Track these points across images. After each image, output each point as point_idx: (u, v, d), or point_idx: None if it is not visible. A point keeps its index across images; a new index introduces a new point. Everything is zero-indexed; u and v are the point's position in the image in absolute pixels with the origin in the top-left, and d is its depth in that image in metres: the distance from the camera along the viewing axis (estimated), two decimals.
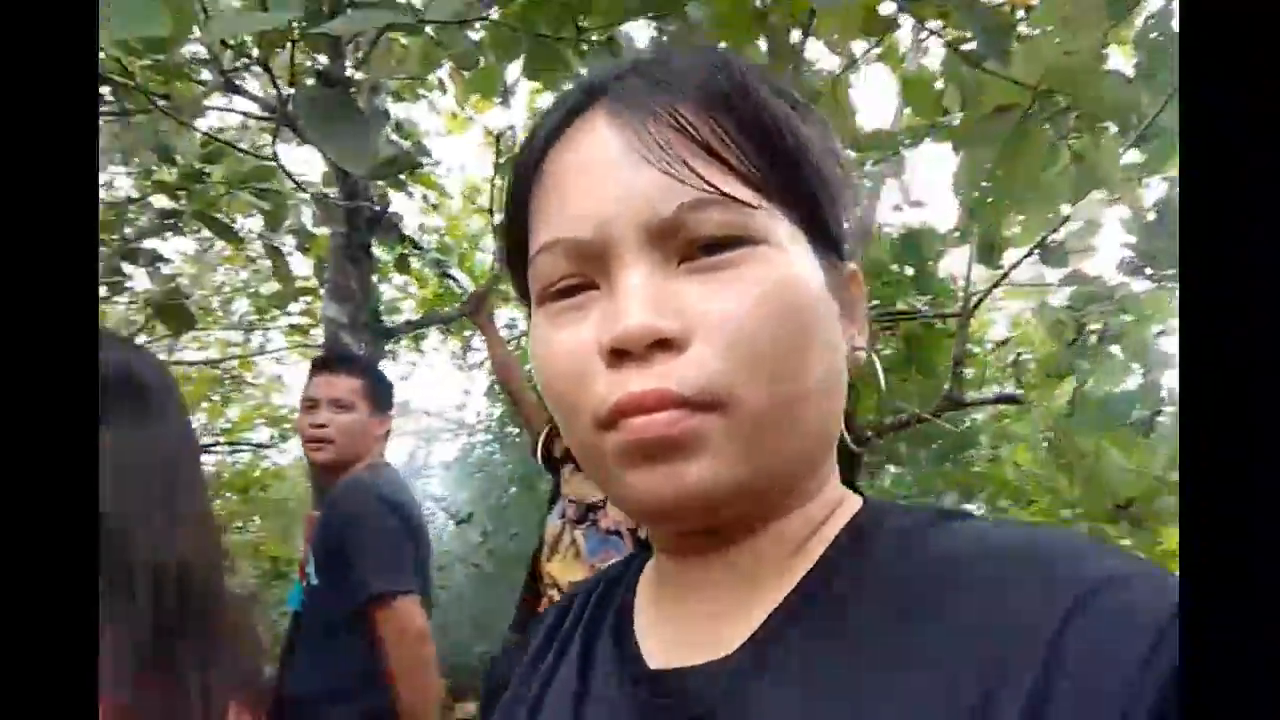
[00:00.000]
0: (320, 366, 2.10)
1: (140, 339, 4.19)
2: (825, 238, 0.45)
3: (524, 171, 0.46)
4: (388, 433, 2.07)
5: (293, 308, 5.25)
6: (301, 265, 4.23)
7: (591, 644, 0.50)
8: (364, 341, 3.40)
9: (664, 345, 0.40)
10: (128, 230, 3.57)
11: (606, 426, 0.41)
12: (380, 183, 3.56)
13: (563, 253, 0.43)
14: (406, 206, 4.66)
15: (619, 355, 0.40)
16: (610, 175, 0.42)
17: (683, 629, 0.46)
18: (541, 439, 2.34)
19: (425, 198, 4.80)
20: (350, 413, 1.95)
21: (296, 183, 2.51)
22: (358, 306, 3.40)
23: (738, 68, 0.44)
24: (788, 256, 0.42)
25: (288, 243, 3.84)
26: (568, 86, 0.48)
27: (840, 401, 0.45)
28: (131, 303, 4.59)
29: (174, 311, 3.27)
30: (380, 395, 2.05)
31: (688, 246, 0.41)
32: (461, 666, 4.02)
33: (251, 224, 3.97)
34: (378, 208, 3.54)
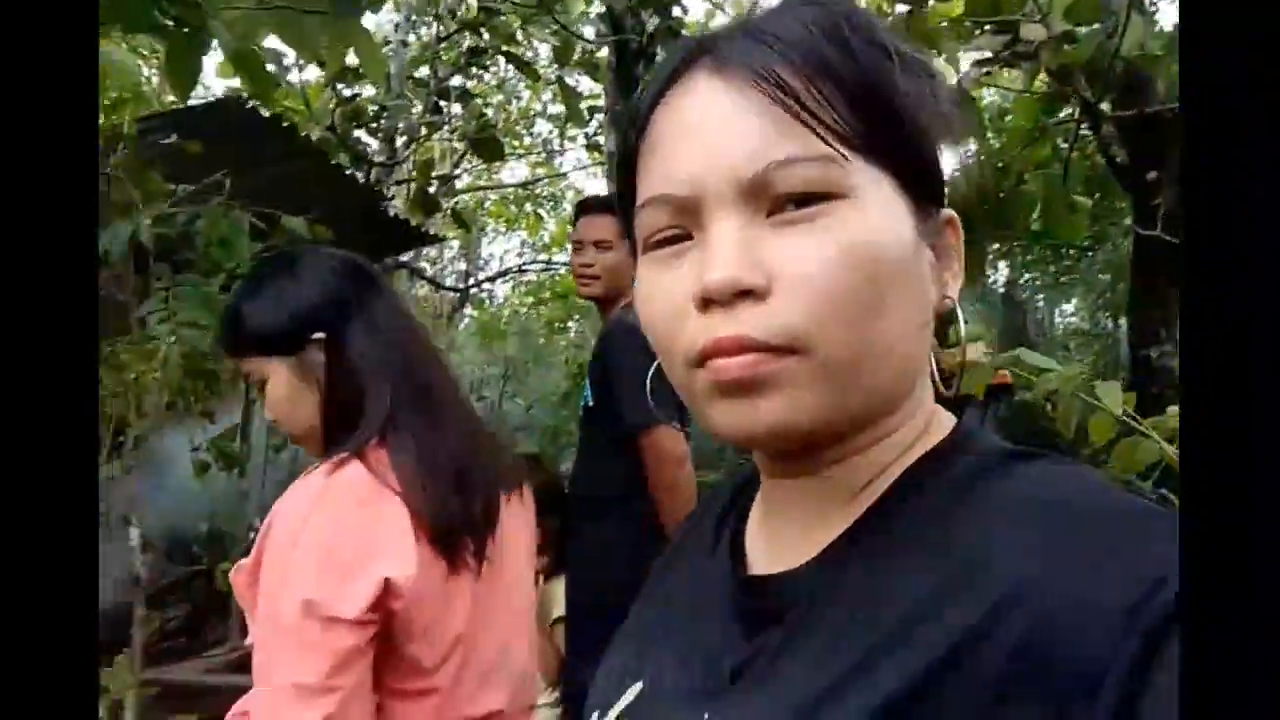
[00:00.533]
0: (583, 208, 2.22)
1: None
2: (920, 187, 0.47)
3: (632, 126, 0.50)
4: None
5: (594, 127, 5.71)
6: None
7: (719, 539, 0.57)
8: None
9: (747, 294, 0.43)
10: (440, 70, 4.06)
11: (696, 365, 0.45)
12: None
13: (662, 208, 0.47)
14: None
15: (707, 302, 0.44)
16: (705, 136, 0.45)
17: (774, 540, 0.52)
18: None
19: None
20: (611, 251, 2.04)
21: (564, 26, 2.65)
22: None
23: (842, 23, 0.46)
24: (874, 210, 0.44)
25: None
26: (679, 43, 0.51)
27: (923, 345, 0.48)
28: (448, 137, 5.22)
29: (487, 144, 3.64)
30: None
31: (776, 201, 0.44)
32: None
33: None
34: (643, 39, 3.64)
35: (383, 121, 4.77)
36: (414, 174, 5.19)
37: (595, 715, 0.55)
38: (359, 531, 0.94)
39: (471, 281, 8.83)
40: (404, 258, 6.32)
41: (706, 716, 0.46)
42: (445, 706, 0.99)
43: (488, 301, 9.99)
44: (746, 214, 0.44)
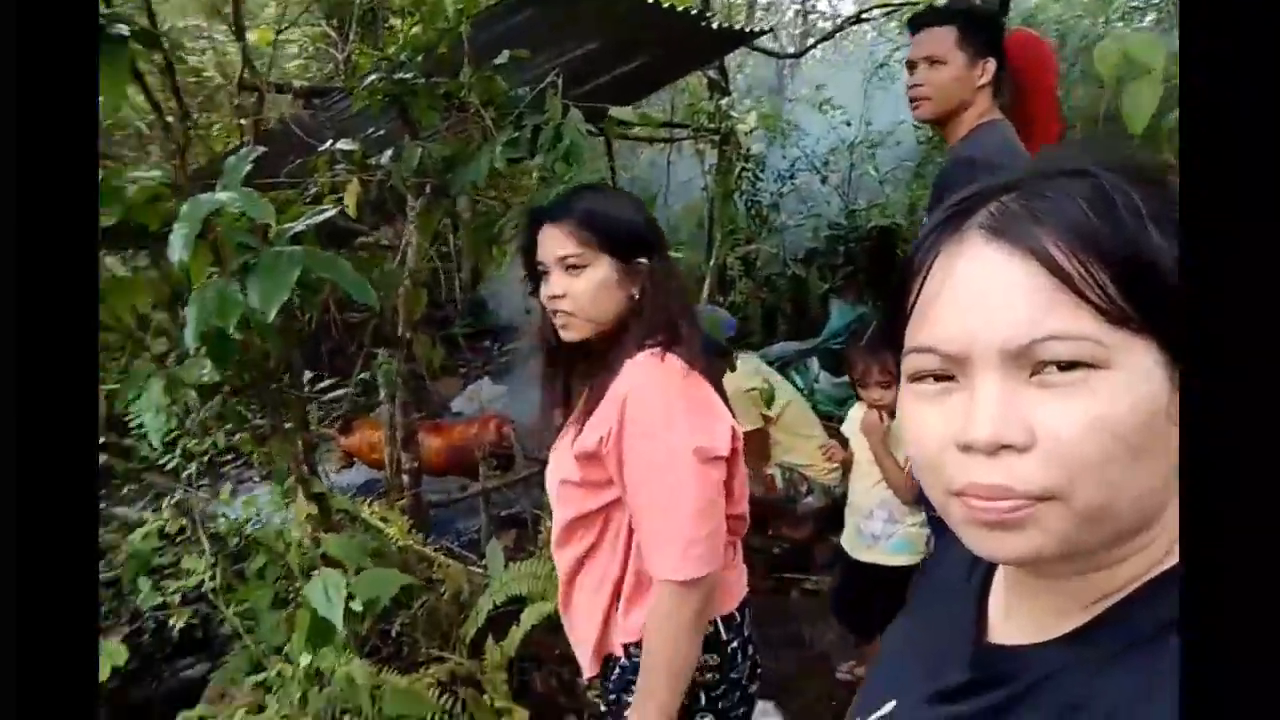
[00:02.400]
0: (915, 24, 2.08)
1: None
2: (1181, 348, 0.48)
3: (911, 267, 0.56)
4: (997, 76, 1.95)
5: None
6: None
7: (970, 576, 0.66)
8: None
9: (1008, 447, 0.48)
10: None
11: (953, 495, 0.52)
12: None
13: (933, 356, 0.52)
14: None
15: (968, 448, 0.50)
16: (977, 302, 0.50)
17: (1012, 610, 0.60)
18: None
19: None
20: (944, 67, 1.94)
21: None
22: None
23: (1112, 198, 0.49)
24: (1133, 381, 0.47)
25: None
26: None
27: (1169, 490, 0.50)
28: None
29: None
30: (976, 38, 1.94)
31: (1039, 364, 0.48)
32: None
33: None
34: None
35: None
36: None
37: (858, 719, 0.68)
38: (703, 394, 1.28)
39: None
40: None
41: None
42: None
43: None
44: (1010, 372, 0.49)
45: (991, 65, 1.93)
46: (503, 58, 2.14)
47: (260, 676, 1.46)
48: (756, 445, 3.15)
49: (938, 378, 0.53)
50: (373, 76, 2.13)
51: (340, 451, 4.17)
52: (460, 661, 1.94)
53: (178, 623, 1.66)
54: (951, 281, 0.52)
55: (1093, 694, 0.50)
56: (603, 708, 1.45)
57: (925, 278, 0.54)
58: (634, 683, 1.30)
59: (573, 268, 1.31)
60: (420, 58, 2.24)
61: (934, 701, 0.60)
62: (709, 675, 1.32)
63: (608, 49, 3.59)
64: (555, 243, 1.32)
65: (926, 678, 0.62)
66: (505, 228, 2.01)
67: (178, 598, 1.45)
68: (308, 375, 2.75)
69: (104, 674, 1.32)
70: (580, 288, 1.31)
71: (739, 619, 1.37)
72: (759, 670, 1.42)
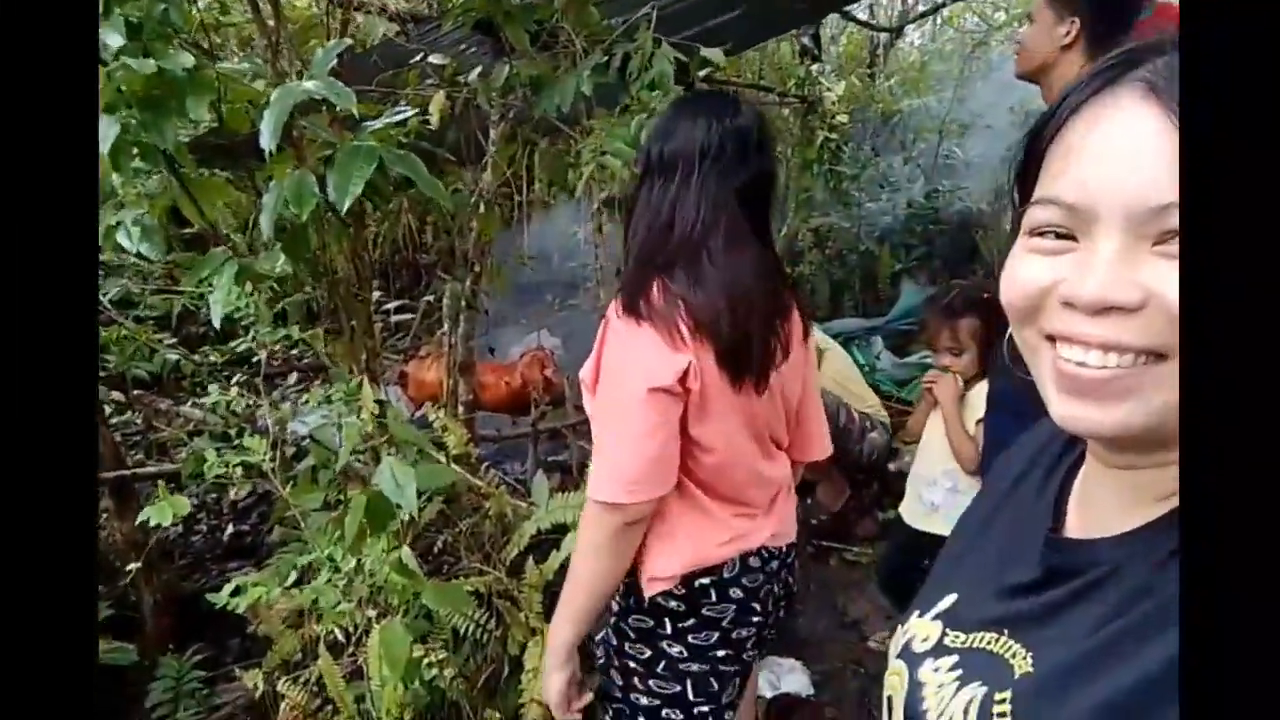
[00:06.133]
0: None
1: None
2: None
3: (1049, 121, 0.53)
4: (1075, 32, 1.88)
5: None
6: None
7: (1046, 486, 0.65)
8: None
9: (1115, 310, 0.47)
10: None
11: (1048, 339, 0.51)
12: None
13: (1057, 209, 0.51)
14: None
15: (1069, 305, 0.49)
16: (1122, 155, 0.48)
17: (1087, 510, 0.59)
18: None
19: None
20: (1031, 24, 1.94)
21: None
22: None
23: None
24: None
25: None
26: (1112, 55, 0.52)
27: None
28: None
29: None
30: None
31: (1167, 234, 0.46)
32: None
33: None
34: None
35: None
36: None
37: (915, 613, 0.68)
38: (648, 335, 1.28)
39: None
40: None
41: (1007, 632, 0.57)
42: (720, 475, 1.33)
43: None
44: (1131, 237, 0.47)
45: (1075, 26, 1.86)
46: None
47: (305, 558, 1.50)
48: None
49: (1059, 234, 0.51)
50: None
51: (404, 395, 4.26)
52: (499, 577, 1.97)
53: (239, 490, 1.71)
54: (1093, 134, 0.49)
55: (1152, 588, 0.49)
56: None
57: (1063, 127, 0.52)
58: (614, 624, 1.41)
59: None
60: None
61: (1004, 596, 0.60)
62: (673, 604, 1.34)
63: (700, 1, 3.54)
64: None
65: (996, 573, 0.62)
66: (580, 161, 1.99)
67: (239, 471, 1.50)
68: (376, 295, 2.80)
69: (167, 520, 1.38)
70: None
71: (728, 566, 1.36)
72: (769, 624, 1.43)
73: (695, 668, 1.35)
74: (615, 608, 1.42)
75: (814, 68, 5.20)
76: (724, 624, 1.35)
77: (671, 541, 1.31)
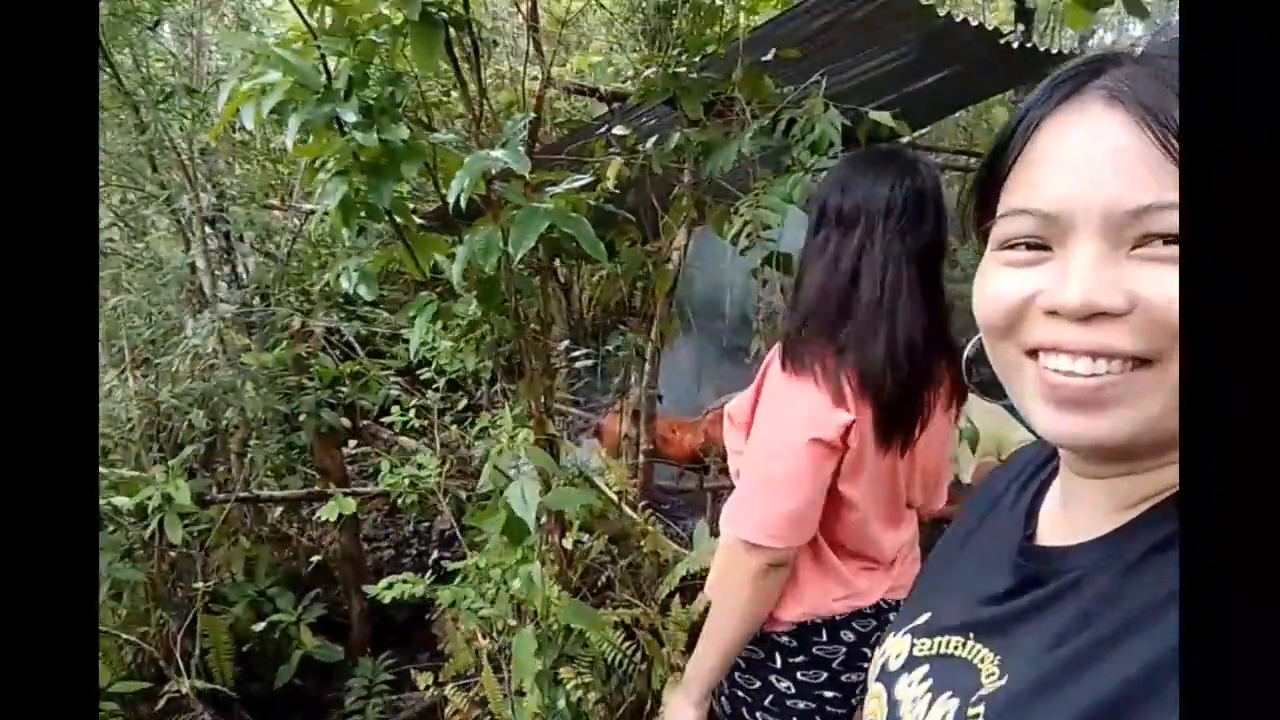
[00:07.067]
0: None
1: None
2: None
3: (1015, 128, 0.53)
4: None
5: None
6: None
7: (1019, 501, 0.65)
8: None
9: (1101, 315, 0.46)
10: None
11: (1029, 355, 0.51)
12: None
13: (1028, 219, 0.50)
14: None
15: (1053, 314, 0.49)
16: (1090, 162, 0.47)
17: (1060, 520, 0.59)
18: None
19: None
20: None
21: None
22: None
23: None
24: None
25: None
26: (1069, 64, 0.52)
27: None
28: None
29: None
30: None
31: (1143, 238, 0.45)
32: None
33: None
34: None
35: None
36: None
37: (893, 633, 0.68)
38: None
39: None
40: None
41: (972, 636, 0.57)
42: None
43: None
44: (1109, 242, 0.46)
45: None
46: (768, 55, 2.24)
47: (460, 566, 1.67)
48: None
49: (1030, 245, 0.50)
50: (649, 71, 2.34)
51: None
52: (647, 611, 2.05)
53: (409, 495, 1.94)
54: (1062, 143, 0.49)
55: (1121, 593, 0.49)
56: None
57: (1029, 140, 0.51)
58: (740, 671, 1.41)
59: None
60: (697, 58, 2.41)
61: (974, 605, 0.60)
62: (784, 639, 1.35)
63: (901, 65, 3.56)
64: None
65: (971, 587, 0.62)
66: (737, 217, 2.09)
67: (407, 482, 1.72)
68: (564, 343, 3.04)
69: (334, 516, 1.61)
70: None
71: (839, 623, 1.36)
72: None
73: (802, 705, 1.35)
74: None
75: None
76: (834, 665, 1.35)
77: (794, 589, 1.33)
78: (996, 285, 0.52)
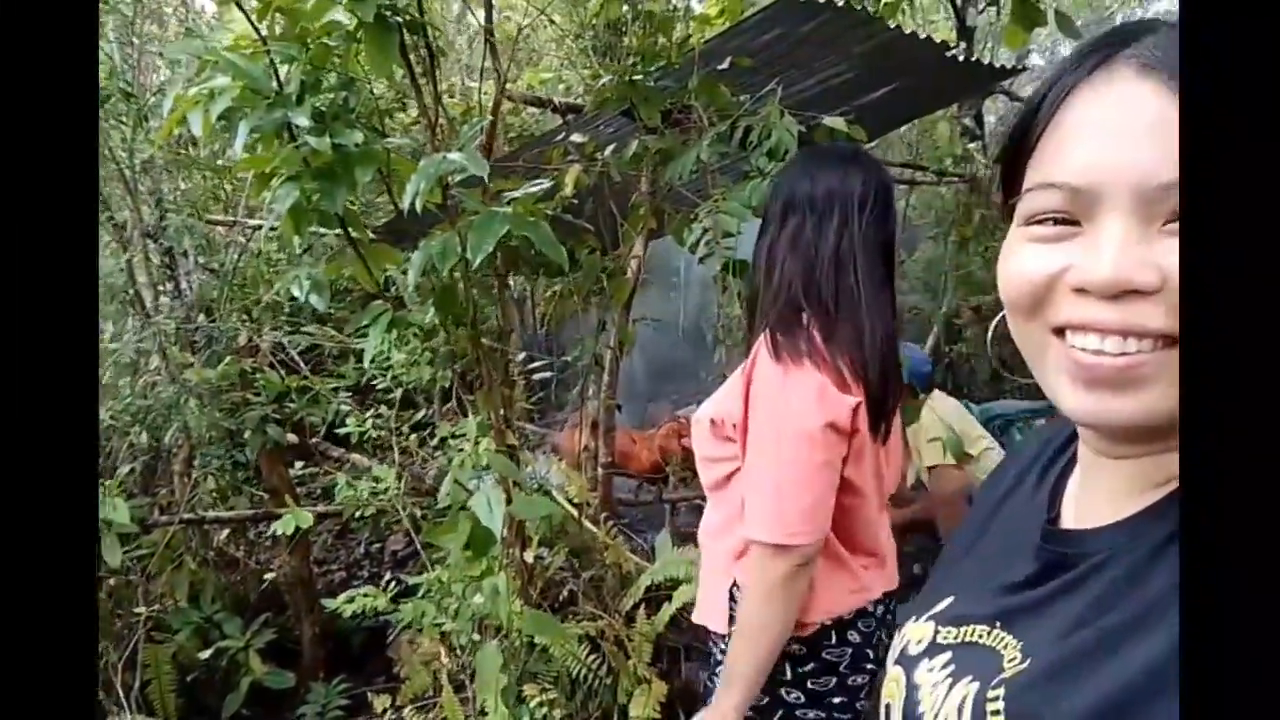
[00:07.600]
0: None
1: None
2: None
3: (1041, 102, 0.51)
4: None
5: None
6: None
7: (1041, 485, 0.64)
8: None
9: (1132, 292, 0.44)
10: None
11: (1056, 333, 0.49)
12: None
13: (1057, 194, 0.48)
14: None
15: (1082, 292, 0.47)
16: (1122, 134, 0.46)
17: (1083, 502, 0.58)
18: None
19: None
20: None
21: None
22: None
23: None
24: None
25: None
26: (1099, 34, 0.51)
27: None
28: None
29: None
30: None
31: (1175, 212, 0.44)
32: None
33: None
34: None
35: None
36: None
37: (911, 619, 0.66)
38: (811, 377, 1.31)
39: None
40: None
41: (999, 624, 0.55)
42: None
43: None
44: (1139, 217, 0.45)
45: None
46: (724, 64, 2.25)
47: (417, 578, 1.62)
48: (955, 480, 3.03)
49: (1058, 220, 0.49)
50: (605, 80, 2.33)
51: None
52: (611, 623, 2.02)
53: (365, 509, 1.88)
54: (1091, 114, 0.47)
55: (1147, 575, 0.47)
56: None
57: (1057, 111, 0.49)
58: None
59: None
60: (652, 68, 2.42)
61: (999, 593, 0.59)
62: (794, 647, 1.31)
63: (851, 77, 3.61)
64: None
65: (994, 573, 0.61)
66: (697, 225, 2.09)
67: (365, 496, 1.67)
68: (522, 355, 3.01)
69: (289, 529, 1.55)
70: None
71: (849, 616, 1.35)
72: (878, 673, 1.38)
73: (811, 715, 1.33)
74: None
75: (971, 145, 5.11)
76: (841, 669, 1.34)
77: (811, 590, 1.30)
78: (1022, 262, 0.51)
